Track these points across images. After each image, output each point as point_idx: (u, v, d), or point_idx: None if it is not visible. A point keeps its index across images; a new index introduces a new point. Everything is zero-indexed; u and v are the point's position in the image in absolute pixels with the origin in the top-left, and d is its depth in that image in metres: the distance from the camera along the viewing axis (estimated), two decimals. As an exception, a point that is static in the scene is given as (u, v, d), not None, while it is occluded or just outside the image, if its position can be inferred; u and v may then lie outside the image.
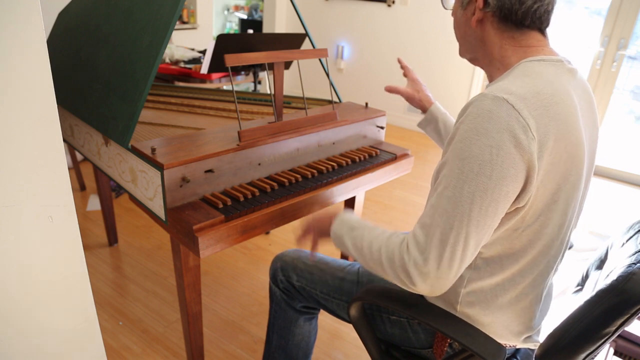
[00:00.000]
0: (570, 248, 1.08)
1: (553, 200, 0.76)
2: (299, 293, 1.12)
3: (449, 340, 0.91)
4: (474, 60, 0.92)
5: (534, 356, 0.86)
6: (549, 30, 0.85)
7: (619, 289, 0.70)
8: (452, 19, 0.93)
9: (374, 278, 1.06)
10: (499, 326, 0.87)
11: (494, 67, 0.86)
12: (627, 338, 1.33)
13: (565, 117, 0.74)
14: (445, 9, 0.94)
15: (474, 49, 0.88)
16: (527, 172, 0.71)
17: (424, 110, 1.27)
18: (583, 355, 0.74)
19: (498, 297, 0.84)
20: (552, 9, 0.81)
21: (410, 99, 1.27)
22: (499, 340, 0.86)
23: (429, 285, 0.76)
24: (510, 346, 0.91)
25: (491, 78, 0.88)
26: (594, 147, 0.86)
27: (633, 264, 0.71)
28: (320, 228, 1.00)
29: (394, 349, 1.02)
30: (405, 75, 1.29)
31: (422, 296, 0.93)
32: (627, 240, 0.90)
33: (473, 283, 0.85)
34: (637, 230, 0.89)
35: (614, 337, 0.72)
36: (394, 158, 1.53)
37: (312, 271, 1.11)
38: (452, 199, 0.73)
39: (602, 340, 0.71)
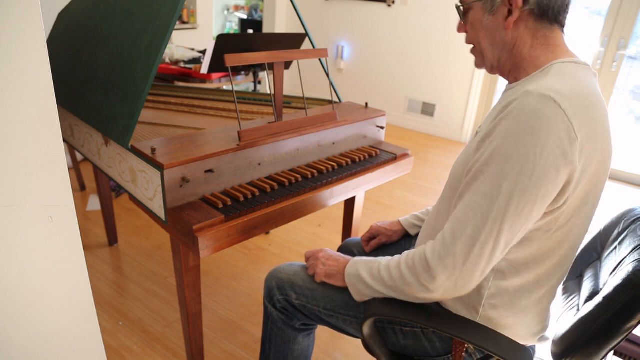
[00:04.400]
0: None
1: (584, 203, 0.76)
2: (298, 312, 1.04)
3: (466, 345, 0.89)
4: (493, 69, 0.90)
5: (550, 353, 0.86)
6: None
7: (635, 282, 0.70)
8: (456, 20, 0.90)
9: None
10: (520, 328, 0.86)
11: (520, 68, 0.84)
12: (628, 338, 1.33)
13: (600, 119, 0.74)
14: (463, 22, 0.89)
15: (499, 54, 0.85)
16: (568, 174, 0.70)
17: (401, 231, 1.22)
18: (606, 350, 0.75)
19: (522, 299, 0.83)
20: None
21: (389, 237, 1.23)
22: (519, 342, 0.86)
23: (452, 281, 0.75)
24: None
25: (514, 79, 0.86)
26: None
27: None
28: (327, 271, 1.00)
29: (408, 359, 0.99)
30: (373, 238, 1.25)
31: (440, 306, 0.91)
32: (622, 234, 0.90)
33: (498, 285, 0.83)
34: (630, 221, 0.90)
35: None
36: (394, 158, 1.53)
37: (313, 287, 1.03)
38: (489, 195, 0.71)
39: (626, 335, 0.72)
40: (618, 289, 0.73)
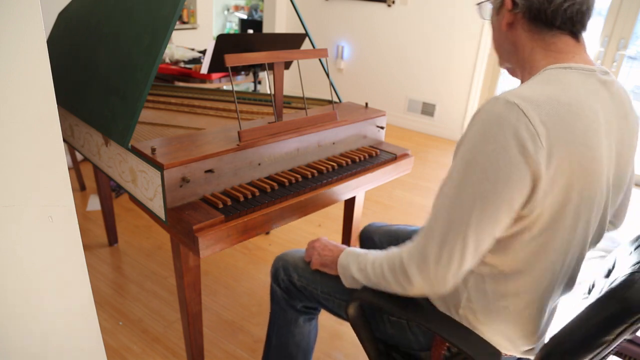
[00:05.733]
0: None
1: (561, 215, 0.74)
2: (300, 292, 1.12)
3: (447, 344, 0.90)
4: (511, 71, 0.90)
5: None
6: (585, 36, 0.82)
7: (618, 296, 0.67)
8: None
9: None
10: (500, 335, 0.86)
11: (525, 72, 0.84)
12: (627, 338, 1.33)
13: (582, 130, 0.71)
14: (484, 19, 0.92)
15: (508, 56, 0.87)
16: (532, 181, 0.69)
17: None
18: None
19: (500, 307, 0.83)
20: (588, 10, 0.78)
21: None
22: (498, 349, 0.86)
23: (427, 283, 0.78)
24: (507, 355, 0.90)
25: None
26: (625, 165, 0.83)
27: (636, 272, 0.69)
28: (322, 261, 1.06)
29: (394, 351, 1.02)
30: None
31: (427, 300, 0.94)
32: (634, 249, 0.87)
33: (477, 289, 0.84)
34: None
35: (614, 346, 0.69)
36: (394, 158, 1.53)
37: (314, 271, 1.10)
38: (453, 201, 0.74)
39: (601, 348, 0.69)
40: (601, 300, 0.69)
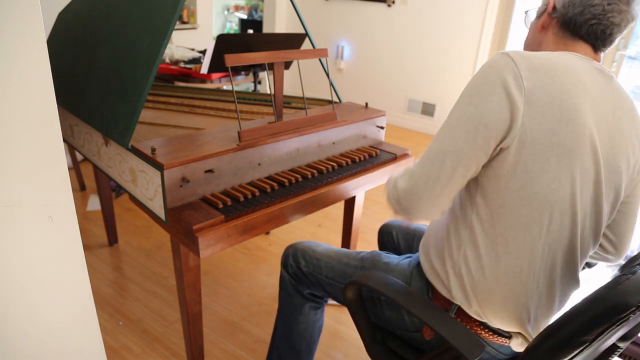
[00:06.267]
0: (590, 267, 1.06)
1: (542, 159, 0.77)
2: (306, 278, 1.18)
3: None
4: None
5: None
6: (603, 55, 0.89)
7: (601, 296, 0.67)
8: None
9: (376, 264, 1.09)
10: (491, 307, 0.87)
11: None
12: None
13: (566, 82, 0.77)
14: (527, 26, 1.00)
15: None
16: (510, 112, 0.76)
17: None
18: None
19: (492, 265, 0.85)
20: (611, 35, 0.84)
21: None
22: (492, 324, 0.89)
23: (407, 193, 0.88)
24: (502, 342, 0.91)
25: None
26: (619, 153, 0.83)
27: (623, 275, 0.69)
28: None
29: (389, 339, 1.04)
30: None
31: (416, 284, 0.99)
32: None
33: (470, 245, 0.87)
34: None
35: (593, 345, 0.69)
36: (394, 158, 1.53)
37: (319, 258, 1.17)
38: (444, 125, 0.85)
39: (582, 347, 0.69)
40: (587, 300, 0.69)
